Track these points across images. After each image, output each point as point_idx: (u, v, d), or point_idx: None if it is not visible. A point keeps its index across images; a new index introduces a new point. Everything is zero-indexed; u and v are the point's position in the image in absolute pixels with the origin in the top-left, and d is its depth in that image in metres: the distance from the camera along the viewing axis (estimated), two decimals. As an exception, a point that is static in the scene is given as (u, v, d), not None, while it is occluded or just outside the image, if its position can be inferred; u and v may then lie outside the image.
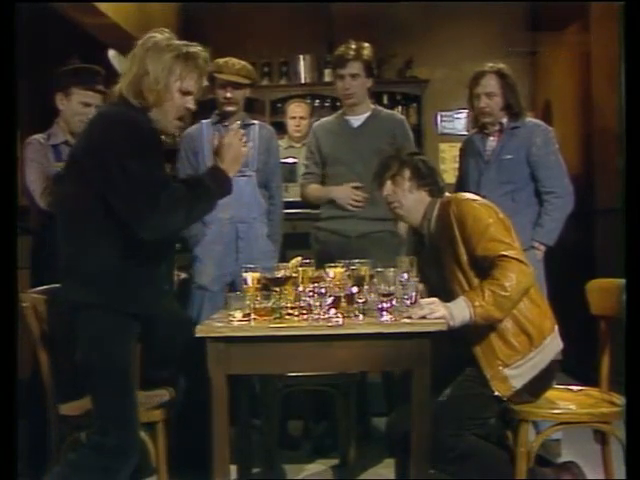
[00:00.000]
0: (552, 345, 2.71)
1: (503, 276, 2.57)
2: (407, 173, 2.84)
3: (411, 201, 2.83)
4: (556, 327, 2.75)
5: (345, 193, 3.77)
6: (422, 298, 2.67)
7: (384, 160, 2.93)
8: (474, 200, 2.78)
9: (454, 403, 2.67)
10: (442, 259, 2.74)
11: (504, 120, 3.71)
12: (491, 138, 3.74)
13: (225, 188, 2.55)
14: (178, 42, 2.51)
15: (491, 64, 3.72)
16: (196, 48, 2.53)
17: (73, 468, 2.48)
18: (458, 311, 2.55)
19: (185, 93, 2.51)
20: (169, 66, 2.46)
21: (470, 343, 2.67)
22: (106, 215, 2.42)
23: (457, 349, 2.71)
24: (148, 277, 2.54)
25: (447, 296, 2.65)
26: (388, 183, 2.86)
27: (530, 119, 3.81)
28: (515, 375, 2.64)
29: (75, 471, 2.47)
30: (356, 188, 3.75)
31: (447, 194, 2.87)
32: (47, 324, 2.70)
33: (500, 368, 2.64)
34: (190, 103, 2.54)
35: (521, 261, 2.60)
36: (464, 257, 2.68)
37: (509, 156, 3.66)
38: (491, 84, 3.67)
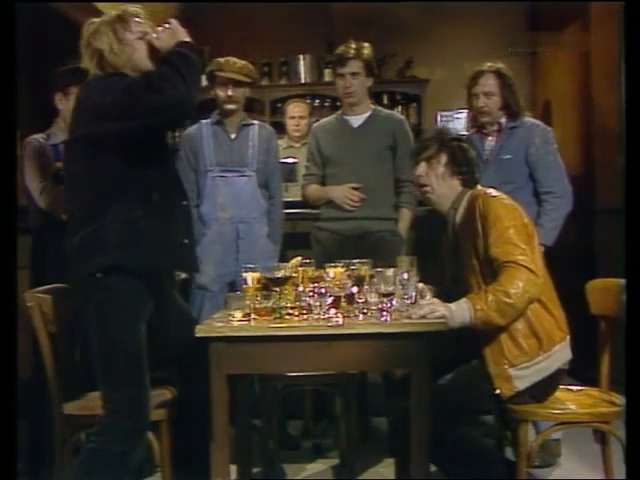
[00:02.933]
0: (561, 354, 2.68)
1: (509, 283, 2.55)
2: (444, 158, 2.80)
3: (443, 187, 2.79)
4: (568, 337, 2.71)
5: (342, 193, 3.78)
6: (422, 297, 2.67)
7: (424, 140, 2.90)
8: (502, 199, 2.73)
9: (453, 388, 2.67)
10: (462, 249, 2.73)
11: (502, 120, 3.70)
12: (490, 138, 3.73)
13: (191, 48, 2.59)
14: (106, 15, 2.71)
15: (490, 63, 3.71)
16: (121, 7, 2.71)
17: (90, 456, 2.50)
18: (458, 312, 2.55)
19: (141, 37, 2.64)
20: (111, 30, 2.63)
21: (478, 339, 2.65)
22: (111, 176, 2.53)
23: (463, 342, 2.70)
24: (164, 232, 2.59)
25: (461, 284, 2.65)
26: (423, 164, 2.82)
27: (529, 119, 3.80)
28: (520, 376, 2.62)
29: (93, 459, 2.49)
30: (354, 189, 3.76)
31: (479, 187, 2.83)
32: (52, 324, 2.70)
33: (506, 367, 2.62)
34: (150, 38, 2.64)
35: (532, 270, 2.56)
36: (482, 252, 2.65)
37: (508, 156, 3.65)
38: (490, 83, 3.66)
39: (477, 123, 3.76)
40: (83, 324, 2.60)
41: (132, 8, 2.71)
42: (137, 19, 2.67)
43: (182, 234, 2.68)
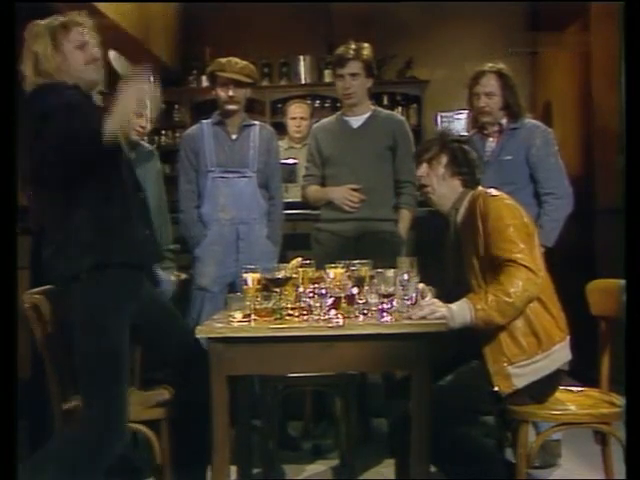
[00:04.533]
0: (560, 354, 2.69)
1: (509, 282, 2.56)
2: (444, 159, 2.83)
3: (444, 188, 2.83)
4: (567, 338, 2.72)
5: (341, 194, 3.78)
6: (422, 298, 2.67)
7: (426, 141, 2.96)
8: (503, 199, 2.75)
9: (453, 389, 2.67)
10: (463, 248, 2.74)
11: (503, 121, 3.70)
12: (490, 139, 3.73)
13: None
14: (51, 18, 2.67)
15: (491, 64, 3.71)
16: (68, 17, 2.68)
17: (61, 444, 2.55)
18: (459, 312, 2.55)
19: (80, 47, 2.63)
20: (49, 34, 2.61)
21: (478, 337, 2.66)
22: (70, 180, 2.52)
23: (463, 343, 2.70)
24: (126, 225, 2.60)
25: (462, 285, 2.66)
26: (424, 165, 2.86)
27: (529, 120, 3.80)
28: (518, 374, 2.62)
29: (63, 447, 2.53)
30: (354, 189, 3.76)
31: (480, 188, 2.85)
32: (49, 324, 2.70)
33: (504, 365, 2.62)
34: (91, 51, 2.65)
35: (531, 269, 2.57)
36: (483, 251, 2.66)
37: (508, 157, 3.65)
38: (491, 84, 3.66)
39: (478, 123, 3.76)
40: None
41: (79, 17, 2.70)
42: (80, 29, 2.66)
43: (142, 226, 2.68)
